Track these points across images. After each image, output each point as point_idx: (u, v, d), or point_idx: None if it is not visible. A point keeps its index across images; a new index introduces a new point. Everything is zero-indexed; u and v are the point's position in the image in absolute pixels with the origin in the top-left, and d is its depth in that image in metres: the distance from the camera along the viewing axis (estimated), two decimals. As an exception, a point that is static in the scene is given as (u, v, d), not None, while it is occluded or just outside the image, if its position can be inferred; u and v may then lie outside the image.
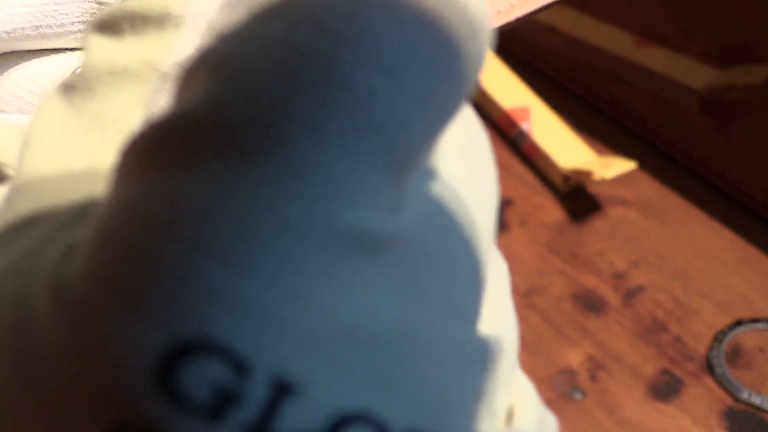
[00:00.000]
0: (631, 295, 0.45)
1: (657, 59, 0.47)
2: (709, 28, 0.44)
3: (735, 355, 0.43)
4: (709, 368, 0.42)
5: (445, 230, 0.13)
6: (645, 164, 0.49)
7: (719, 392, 0.41)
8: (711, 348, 0.43)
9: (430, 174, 0.13)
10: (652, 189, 0.49)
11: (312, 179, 0.10)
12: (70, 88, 0.15)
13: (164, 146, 0.11)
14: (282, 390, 0.10)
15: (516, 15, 0.24)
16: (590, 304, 0.45)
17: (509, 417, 0.15)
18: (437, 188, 0.13)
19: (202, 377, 0.10)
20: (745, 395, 0.41)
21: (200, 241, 0.10)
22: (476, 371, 0.13)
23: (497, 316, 0.15)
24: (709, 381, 0.42)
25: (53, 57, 0.19)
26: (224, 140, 0.10)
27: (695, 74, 0.46)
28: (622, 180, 0.47)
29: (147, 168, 0.11)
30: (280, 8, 0.11)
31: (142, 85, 0.14)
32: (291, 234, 0.10)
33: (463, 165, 0.14)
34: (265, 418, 0.10)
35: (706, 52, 0.45)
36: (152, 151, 0.11)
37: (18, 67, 0.19)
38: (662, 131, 0.50)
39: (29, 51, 0.19)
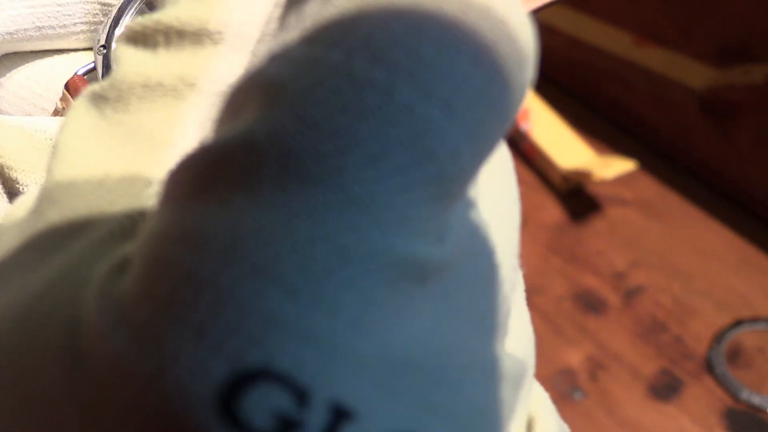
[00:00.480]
0: (631, 295, 0.45)
1: (656, 59, 0.47)
2: (708, 28, 0.44)
3: (735, 355, 0.43)
4: (709, 368, 0.42)
5: (477, 254, 0.13)
6: (645, 164, 0.49)
7: (719, 392, 0.41)
8: (711, 348, 0.43)
9: (464, 201, 0.13)
10: (651, 189, 0.49)
11: (369, 209, 0.10)
12: (101, 98, 0.14)
13: (221, 169, 0.11)
14: (340, 416, 0.10)
15: None
16: (590, 304, 0.45)
17: (529, 427, 0.15)
18: (469, 214, 0.13)
19: (264, 405, 0.10)
20: (745, 395, 0.41)
21: (261, 268, 0.10)
22: (508, 387, 0.13)
23: (520, 331, 0.15)
24: (709, 381, 0.42)
25: (56, 57, 0.19)
26: (284, 166, 0.10)
27: (694, 74, 0.46)
28: (621, 180, 0.47)
29: (202, 191, 0.11)
30: (337, 34, 0.11)
31: (178, 100, 0.14)
32: (350, 264, 0.10)
33: (490, 184, 0.14)
34: None
35: (705, 52, 0.45)
36: (208, 174, 0.11)
37: (21, 67, 0.19)
38: (662, 131, 0.50)
39: (32, 52, 0.19)
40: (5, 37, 0.18)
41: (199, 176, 0.11)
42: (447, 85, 0.11)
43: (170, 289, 0.10)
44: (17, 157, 0.16)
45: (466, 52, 0.11)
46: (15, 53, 0.19)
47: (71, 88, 0.18)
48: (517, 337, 0.15)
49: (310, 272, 0.10)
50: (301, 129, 0.10)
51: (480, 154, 0.11)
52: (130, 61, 0.14)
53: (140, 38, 0.14)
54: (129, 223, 0.13)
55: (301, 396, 0.10)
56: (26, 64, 0.19)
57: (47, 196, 0.13)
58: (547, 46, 0.58)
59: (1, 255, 0.13)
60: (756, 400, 0.41)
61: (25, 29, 0.18)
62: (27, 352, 0.12)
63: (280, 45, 0.11)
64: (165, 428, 0.10)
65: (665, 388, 0.42)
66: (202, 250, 0.10)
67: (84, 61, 0.19)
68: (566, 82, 0.52)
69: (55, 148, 0.14)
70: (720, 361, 0.42)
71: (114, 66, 0.14)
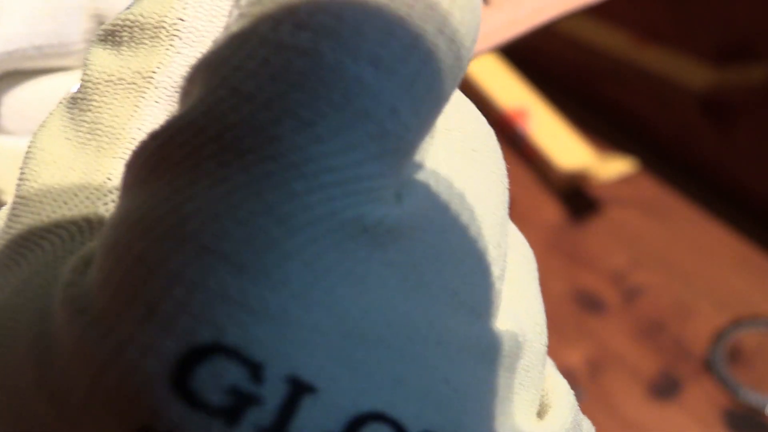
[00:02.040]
0: (631, 295, 0.45)
1: (656, 59, 0.47)
2: (708, 28, 0.44)
3: (735, 355, 0.43)
4: (709, 368, 0.42)
5: (446, 226, 0.13)
6: (645, 164, 0.49)
7: (719, 392, 0.41)
8: (711, 348, 0.43)
9: (427, 171, 0.13)
10: (651, 189, 0.49)
11: (306, 174, 0.10)
12: (72, 100, 0.15)
13: (165, 154, 0.11)
14: (297, 391, 0.10)
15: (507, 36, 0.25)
16: (590, 304, 0.45)
17: (542, 414, 0.15)
18: (435, 184, 0.13)
19: (217, 380, 0.10)
20: (745, 395, 0.41)
21: (208, 246, 0.10)
22: (490, 368, 0.13)
23: (519, 308, 0.15)
24: (709, 381, 0.42)
25: (59, 75, 0.19)
26: (220, 143, 0.10)
27: (694, 74, 0.46)
28: (621, 180, 0.47)
29: (151, 178, 0.11)
30: (266, 11, 0.11)
31: (135, 94, 0.14)
32: (294, 233, 0.10)
33: (463, 159, 0.14)
34: (282, 419, 0.10)
35: (705, 52, 0.45)
36: (155, 161, 0.11)
37: (23, 85, 0.19)
38: (662, 131, 0.50)
39: (34, 70, 0.19)
40: (4, 56, 0.18)
41: (148, 162, 0.11)
42: (373, 43, 0.11)
43: (123, 274, 0.10)
44: (11, 180, 0.17)
45: (389, 11, 0.11)
46: (16, 71, 0.19)
47: None
48: (514, 314, 0.14)
49: (255, 246, 0.10)
50: (235, 103, 0.11)
51: (423, 109, 0.11)
52: (96, 60, 0.14)
53: (108, 37, 0.15)
54: (86, 224, 0.13)
55: (255, 371, 0.10)
56: (28, 82, 0.19)
57: (20, 199, 0.14)
58: (546, 47, 0.58)
59: None
60: (756, 400, 0.41)
61: (24, 48, 0.18)
62: (2, 350, 0.12)
63: (224, 28, 0.12)
64: (124, 407, 0.10)
65: (665, 388, 0.42)
66: (151, 234, 0.10)
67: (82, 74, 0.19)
68: (566, 82, 0.52)
69: (27, 151, 0.14)
70: (720, 361, 0.42)
71: (85, 68, 0.15)
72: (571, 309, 0.44)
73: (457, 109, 0.15)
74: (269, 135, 0.10)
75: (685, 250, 0.47)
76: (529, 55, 0.53)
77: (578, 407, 0.15)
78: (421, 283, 0.12)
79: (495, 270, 0.14)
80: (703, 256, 0.46)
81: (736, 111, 0.45)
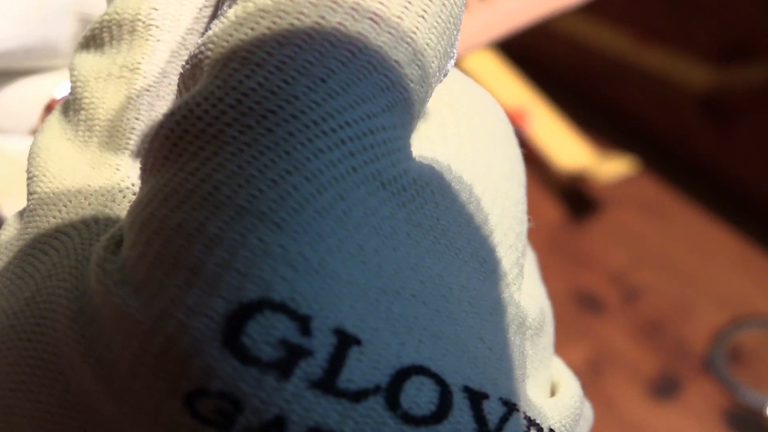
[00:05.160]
0: (631, 295, 0.45)
1: (656, 59, 0.47)
2: (709, 28, 0.44)
3: (735, 355, 0.43)
4: (709, 368, 0.42)
5: (465, 198, 0.13)
6: (645, 164, 0.49)
7: (719, 392, 0.41)
8: (711, 348, 0.43)
9: (432, 159, 0.13)
10: (651, 189, 0.49)
11: (330, 132, 0.11)
12: (65, 105, 0.15)
13: (185, 129, 0.11)
14: (344, 343, 0.10)
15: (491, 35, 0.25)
16: (590, 304, 0.45)
17: (553, 393, 0.15)
18: (440, 168, 0.13)
19: (267, 335, 0.10)
20: (745, 395, 0.41)
21: (245, 207, 0.10)
22: (517, 335, 0.13)
23: (535, 290, 0.15)
24: (709, 381, 0.42)
25: (47, 75, 0.19)
26: (240, 109, 0.11)
27: (695, 74, 0.46)
28: (621, 180, 0.47)
29: (174, 154, 0.11)
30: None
31: (125, 85, 0.14)
32: (323, 190, 0.11)
33: (479, 143, 0.14)
34: (332, 371, 0.10)
35: (705, 52, 0.45)
36: (175, 137, 0.11)
37: (12, 85, 0.19)
38: (662, 131, 0.50)
39: (25, 70, 0.19)
40: None
41: (168, 140, 0.11)
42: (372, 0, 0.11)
43: (162, 244, 0.11)
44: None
45: None
46: (4, 72, 0.19)
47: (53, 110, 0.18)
48: (537, 298, 0.15)
49: (289, 204, 0.11)
50: (248, 71, 0.11)
51: (425, 59, 0.12)
52: (82, 63, 0.15)
53: (90, 42, 0.15)
54: (106, 212, 0.13)
55: (304, 324, 0.10)
56: (16, 82, 0.19)
57: (36, 197, 0.14)
58: (546, 46, 0.58)
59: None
60: (756, 400, 0.41)
61: (12, 50, 0.18)
62: (39, 330, 0.12)
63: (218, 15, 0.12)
64: (174, 371, 0.10)
65: (665, 388, 0.42)
66: (186, 204, 0.11)
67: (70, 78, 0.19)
68: (566, 82, 0.52)
69: (30, 152, 0.15)
70: (720, 361, 0.42)
71: (72, 72, 0.15)
72: (571, 309, 0.44)
73: (463, 88, 0.15)
74: (286, 95, 0.11)
75: (685, 250, 0.47)
76: (529, 54, 0.53)
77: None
78: (452, 248, 0.12)
79: (519, 245, 0.14)
80: (703, 256, 0.46)
81: (736, 111, 0.45)
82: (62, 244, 0.13)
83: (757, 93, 0.44)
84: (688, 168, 0.49)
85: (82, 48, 0.15)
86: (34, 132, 0.19)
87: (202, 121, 0.11)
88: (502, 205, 0.14)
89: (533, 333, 0.14)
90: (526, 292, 0.15)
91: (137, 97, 0.14)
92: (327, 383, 0.10)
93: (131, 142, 0.14)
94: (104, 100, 0.14)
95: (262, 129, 0.11)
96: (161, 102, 0.14)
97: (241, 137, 0.11)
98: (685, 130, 0.48)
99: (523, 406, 0.13)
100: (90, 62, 0.15)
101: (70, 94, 0.15)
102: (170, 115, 0.11)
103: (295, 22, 0.11)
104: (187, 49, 0.14)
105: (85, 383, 0.11)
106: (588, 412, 0.16)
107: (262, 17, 0.11)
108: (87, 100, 0.14)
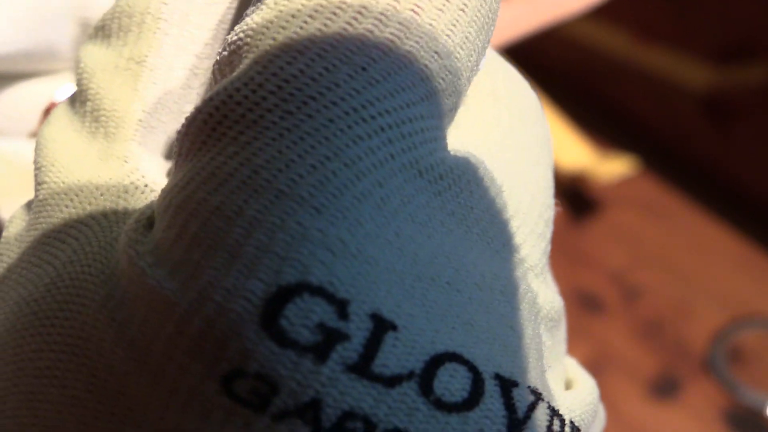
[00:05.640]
0: (631, 295, 0.45)
1: (656, 59, 0.47)
2: (709, 28, 0.44)
3: (735, 355, 0.43)
4: (709, 368, 0.42)
5: (495, 187, 0.13)
6: (645, 164, 0.49)
7: (719, 392, 0.41)
8: (711, 348, 0.43)
9: (469, 149, 0.13)
10: (651, 189, 0.49)
11: (369, 119, 0.11)
12: (71, 97, 0.15)
13: (225, 113, 0.11)
14: (381, 328, 0.11)
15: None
16: (590, 304, 0.45)
17: (568, 387, 0.15)
18: (476, 158, 0.13)
19: (306, 318, 0.10)
20: (745, 395, 0.41)
21: (284, 191, 0.10)
22: (541, 324, 0.14)
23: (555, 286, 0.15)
24: (709, 381, 0.42)
25: (48, 78, 0.19)
26: (280, 95, 0.11)
27: (695, 74, 0.46)
28: (621, 180, 0.47)
29: (213, 138, 0.11)
30: None
31: (131, 78, 0.14)
32: (362, 176, 0.11)
33: (509, 136, 0.15)
34: (368, 355, 0.10)
35: (705, 52, 0.45)
36: (214, 122, 0.11)
37: (14, 88, 0.19)
38: (662, 131, 0.50)
39: (25, 73, 0.19)
40: None
41: (207, 124, 0.11)
42: None
43: (200, 226, 0.11)
44: None
45: None
46: (4, 75, 0.19)
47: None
48: (555, 293, 0.15)
49: (329, 189, 0.11)
50: (290, 58, 0.11)
51: (462, 51, 0.12)
52: (89, 55, 0.15)
53: (98, 32, 0.15)
54: (122, 198, 0.13)
55: (341, 308, 0.10)
56: (16, 85, 0.19)
57: (42, 197, 0.14)
58: (547, 46, 0.58)
59: (11, 264, 0.14)
60: (756, 400, 0.41)
61: (12, 54, 0.18)
62: (63, 315, 0.12)
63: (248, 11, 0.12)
64: (212, 352, 0.10)
65: (665, 388, 0.42)
66: (225, 187, 0.11)
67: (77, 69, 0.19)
68: (566, 82, 0.52)
69: (37, 144, 0.15)
70: (720, 361, 0.42)
71: (78, 64, 0.15)
72: (571, 309, 0.44)
73: (500, 72, 0.15)
74: (327, 82, 0.11)
75: (685, 250, 0.47)
76: (529, 54, 0.53)
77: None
78: (485, 237, 0.12)
79: (547, 233, 0.14)
80: (703, 256, 0.46)
81: (736, 111, 0.45)
82: (81, 233, 0.13)
83: (757, 93, 0.44)
84: (688, 168, 0.49)
85: (90, 39, 0.15)
86: (33, 135, 0.19)
87: (242, 106, 0.11)
88: (533, 193, 0.14)
89: (553, 325, 0.14)
90: (551, 282, 0.15)
91: (142, 89, 0.14)
92: (362, 367, 0.10)
93: (138, 134, 0.14)
94: (110, 92, 0.14)
95: (302, 115, 0.11)
96: (168, 95, 0.14)
97: (281, 122, 0.11)
98: (685, 130, 0.48)
99: (547, 396, 0.13)
100: (97, 54, 0.15)
101: (77, 85, 0.15)
102: (209, 100, 0.11)
103: (337, 11, 0.11)
104: (194, 43, 0.14)
105: (116, 366, 0.11)
106: (602, 412, 0.16)
107: (303, 5, 0.11)
108: (93, 92, 0.14)
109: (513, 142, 0.14)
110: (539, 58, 0.53)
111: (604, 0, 0.32)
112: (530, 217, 0.14)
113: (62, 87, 0.20)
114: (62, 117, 0.15)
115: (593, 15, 0.49)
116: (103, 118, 0.14)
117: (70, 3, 0.18)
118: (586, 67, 0.50)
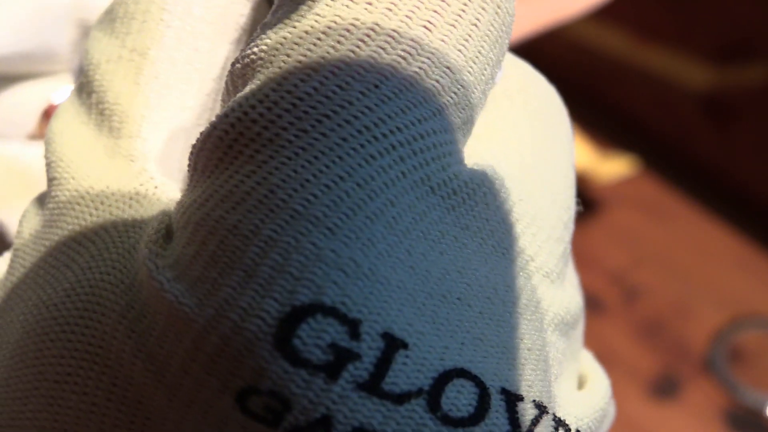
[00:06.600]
0: (631, 295, 0.45)
1: (656, 59, 0.47)
2: (709, 28, 0.44)
3: (735, 355, 0.43)
4: (709, 368, 0.42)
5: (518, 193, 0.13)
6: (645, 164, 0.49)
7: (719, 392, 0.41)
8: (711, 348, 0.43)
9: (487, 159, 0.14)
10: (652, 189, 0.49)
11: (381, 137, 0.11)
12: (78, 88, 0.15)
13: (240, 131, 0.11)
14: (392, 347, 0.11)
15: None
16: (590, 304, 0.45)
17: (581, 385, 0.15)
18: (493, 169, 0.13)
19: (318, 338, 0.10)
20: (745, 395, 0.41)
21: (299, 212, 0.11)
22: (556, 331, 0.14)
23: (576, 282, 0.16)
24: (709, 381, 0.42)
25: (48, 80, 0.20)
26: (295, 113, 0.11)
27: (695, 74, 0.46)
28: (622, 180, 0.47)
29: (229, 156, 0.11)
30: None
31: (134, 71, 0.14)
32: (374, 196, 0.11)
33: (530, 139, 0.15)
34: (378, 374, 0.11)
35: (705, 52, 0.45)
36: (230, 139, 0.11)
37: (12, 90, 0.19)
38: (662, 131, 0.50)
39: (24, 75, 0.19)
40: None
41: (222, 142, 0.12)
42: (425, 10, 0.12)
43: (218, 244, 0.11)
44: None
45: None
46: (2, 77, 0.19)
47: (51, 115, 0.18)
48: (576, 287, 0.15)
49: (342, 209, 0.11)
50: (304, 75, 0.11)
51: (476, 66, 0.12)
52: (95, 44, 0.15)
53: (106, 16, 0.15)
54: (129, 218, 0.13)
55: (353, 328, 0.11)
56: (15, 87, 0.19)
57: (54, 193, 0.14)
58: (547, 47, 0.58)
59: (29, 263, 0.14)
60: (756, 400, 0.41)
61: (12, 57, 0.18)
62: (83, 323, 0.12)
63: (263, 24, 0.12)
64: (227, 369, 0.11)
65: (665, 388, 0.42)
66: (242, 206, 0.11)
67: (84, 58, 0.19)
68: (567, 82, 0.52)
69: (47, 137, 0.15)
70: (720, 361, 0.42)
71: (86, 53, 0.15)
72: (571, 309, 0.45)
73: (519, 76, 0.16)
74: (340, 100, 0.11)
75: (685, 250, 0.47)
76: (529, 55, 0.52)
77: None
78: (499, 248, 0.13)
79: (566, 235, 0.14)
80: (703, 256, 0.46)
81: (736, 111, 0.45)
82: (98, 237, 0.13)
83: (757, 93, 0.44)
84: (689, 168, 0.49)
85: (98, 23, 0.15)
86: (32, 137, 0.19)
87: (257, 124, 0.11)
88: (553, 195, 0.14)
89: (569, 328, 0.14)
90: (570, 282, 0.15)
91: (144, 84, 0.14)
92: (373, 385, 0.11)
93: (143, 130, 0.14)
94: (114, 84, 0.14)
95: (317, 133, 0.11)
96: (170, 91, 0.14)
97: (296, 141, 0.11)
98: (685, 130, 0.48)
99: (553, 406, 0.13)
100: (102, 42, 0.15)
101: (83, 75, 0.15)
102: (224, 117, 0.11)
103: (350, 28, 0.11)
104: (195, 38, 0.15)
105: (135, 377, 0.12)
106: (611, 409, 0.16)
107: (316, 21, 0.11)
108: (98, 83, 0.14)
109: (532, 146, 0.15)
110: (539, 58, 0.53)
111: (604, 2, 0.32)
112: (548, 222, 0.14)
113: (60, 89, 0.20)
114: (69, 109, 0.15)
115: (593, 15, 0.49)
116: (107, 112, 0.14)
117: (69, 5, 0.18)
118: (586, 67, 0.50)
